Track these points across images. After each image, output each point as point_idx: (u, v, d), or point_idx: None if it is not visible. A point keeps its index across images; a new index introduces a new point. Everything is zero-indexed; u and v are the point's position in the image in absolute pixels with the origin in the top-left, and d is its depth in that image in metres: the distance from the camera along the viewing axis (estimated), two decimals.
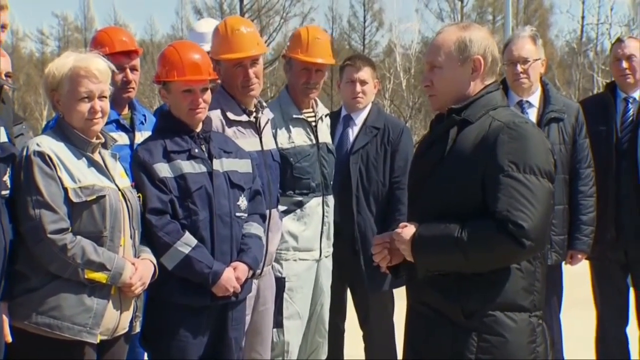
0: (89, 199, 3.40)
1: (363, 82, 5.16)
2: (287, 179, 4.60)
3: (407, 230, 3.03)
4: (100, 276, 3.39)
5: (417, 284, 3.10)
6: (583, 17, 33.62)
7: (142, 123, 4.43)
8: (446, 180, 2.99)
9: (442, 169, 3.02)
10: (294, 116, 4.72)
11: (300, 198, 4.66)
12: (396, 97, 32.51)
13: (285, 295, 4.59)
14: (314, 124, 4.78)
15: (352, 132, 5.16)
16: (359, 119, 5.18)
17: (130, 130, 4.35)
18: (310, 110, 4.82)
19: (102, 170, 3.53)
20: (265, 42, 32.00)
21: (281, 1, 32.74)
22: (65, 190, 3.37)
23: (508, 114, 3.04)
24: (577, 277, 5.71)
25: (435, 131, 3.16)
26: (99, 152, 3.57)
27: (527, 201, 2.85)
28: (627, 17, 32.70)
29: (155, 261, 3.66)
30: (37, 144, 3.40)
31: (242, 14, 30.81)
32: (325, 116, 4.92)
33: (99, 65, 3.50)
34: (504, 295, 2.94)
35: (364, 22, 38.00)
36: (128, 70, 4.36)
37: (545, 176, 2.92)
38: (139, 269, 3.52)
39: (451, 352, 2.96)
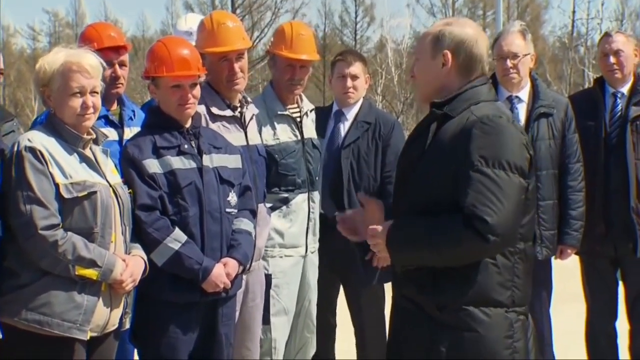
0: (80, 194, 3.39)
1: (354, 77, 5.16)
2: (272, 175, 4.59)
3: (383, 225, 3.05)
4: (90, 273, 3.38)
5: (397, 277, 3.13)
6: (574, 12, 33.68)
7: (131, 119, 4.42)
8: (425, 174, 3.00)
9: (422, 163, 3.03)
10: (279, 112, 4.71)
11: (286, 195, 4.65)
12: (388, 92, 32.52)
13: (271, 292, 4.58)
14: (298, 119, 4.78)
15: (344, 127, 5.17)
16: (351, 114, 5.19)
17: (119, 126, 4.35)
18: (295, 106, 4.81)
19: (94, 166, 3.52)
20: (257, 37, 32.04)
21: None
22: (57, 186, 3.35)
23: (487, 108, 3.02)
24: (568, 272, 5.73)
25: (418, 126, 3.18)
26: (90, 148, 3.56)
27: (494, 196, 2.83)
28: (617, 12, 32.78)
29: (145, 257, 3.65)
30: (29, 140, 3.38)
31: (234, 10, 30.80)
32: (310, 111, 4.92)
33: (90, 61, 3.49)
34: (478, 290, 2.94)
35: (356, 17, 38.03)
36: (117, 66, 4.35)
37: (516, 171, 2.90)
38: (129, 265, 3.51)
39: (427, 345, 2.97)
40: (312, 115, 4.96)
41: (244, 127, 4.34)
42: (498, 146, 2.90)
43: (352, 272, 5.05)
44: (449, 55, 3.07)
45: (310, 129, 4.86)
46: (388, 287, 4.77)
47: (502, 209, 2.83)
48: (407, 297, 3.07)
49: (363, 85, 5.21)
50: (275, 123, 4.69)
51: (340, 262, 5.03)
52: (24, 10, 66.19)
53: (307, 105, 4.90)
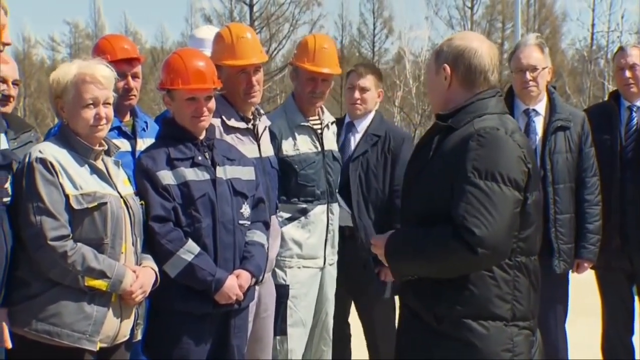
0: (90, 205, 3.40)
1: (363, 89, 5.16)
2: (291, 186, 4.60)
3: (383, 236, 3.10)
4: (100, 284, 3.39)
5: (401, 287, 3.16)
6: (593, 25, 33.56)
7: (143, 130, 4.43)
8: (426, 185, 3.02)
9: (424, 174, 3.05)
10: (300, 124, 4.72)
11: (304, 205, 4.66)
12: (406, 104, 32.49)
13: (289, 303, 4.59)
14: (319, 131, 4.79)
15: (354, 139, 5.16)
16: (361, 127, 5.19)
17: (132, 137, 4.35)
18: (316, 117, 4.82)
19: (105, 177, 3.53)
20: (275, 49, 32.13)
21: (291, 9, 32.82)
22: (67, 197, 3.37)
23: (488, 121, 3.02)
24: (584, 286, 5.69)
25: (422, 138, 3.20)
26: (102, 159, 3.57)
27: (484, 208, 2.83)
28: (637, 24, 32.63)
29: (156, 269, 3.65)
30: (40, 151, 3.40)
31: (252, 22, 30.89)
32: (332, 123, 4.92)
33: (103, 72, 3.51)
34: (474, 302, 2.94)
35: (374, 29, 38.02)
36: (130, 78, 4.36)
37: (510, 184, 2.89)
38: (139, 277, 3.52)
39: (426, 355, 2.98)
40: (334, 128, 4.98)
41: (257, 139, 4.35)
42: (492, 158, 2.90)
43: (364, 286, 5.04)
44: (448, 69, 3.09)
45: (331, 141, 4.87)
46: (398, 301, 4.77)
47: (492, 221, 2.82)
48: (408, 306, 3.10)
49: (374, 98, 5.20)
50: (296, 134, 4.71)
51: (352, 275, 5.01)
52: (45, 21, 66.75)
53: (328, 118, 4.91)
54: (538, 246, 3.12)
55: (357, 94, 5.15)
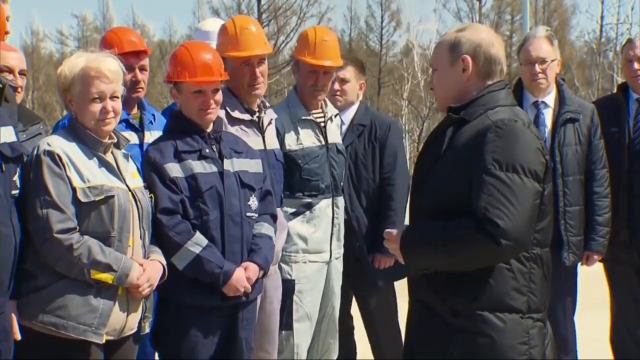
0: (97, 199, 3.40)
1: (343, 81, 5.16)
2: (295, 180, 4.59)
3: (397, 230, 3.06)
4: (106, 277, 3.39)
5: (412, 281, 3.13)
6: (602, 17, 33.42)
7: (151, 122, 4.43)
8: (440, 178, 3.00)
9: (438, 167, 3.02)
10: (302, 117, 4.71)
11: (309, 200, 4.65)
12: (414, 97, 32.45)
13: (295, 298, 4.59)
14: (322, 124, 4.77)
15: (341, 131, 5.15)
16: (346, 118, 5.20)
17: (139, 130, 4.36)
18: (319, 110, 4.81)
19: (113, 170, 3.52)
20: (283, 42, 32.10)
21: (298, 1, 32.77)
22: (74, 190, 3.37)
23: (503, 113, 3.01)
24: (594, 278, 5.67)
25: (434, 131, 3.17)
26: (112, 152, 3.57)
27: (507, 200, 2.82)
28: None
29: (164, 262, 3.64)
30: (48, 144, 3.40)
31: (260, 15, 30.87)
32: (335, 116, 4.91)
33: (110, 66, 3.50)
34: (492, 295, 2.92)
35: (382, 22, 37.95)
36: (137, 71, 4.36)
37: (530, 175, 2.88)
38: (146, 270, 3.51)
39: (440, 349, 2.96)
40: (337, 120, 4.96)
41: (261, 131, 4.34)
42: (512, 150, 2.88)
43: (359, 276, 5.04)
44: (469, 60, 3.06)
45: (334, 134, 4.85)
46: (400, 289, 4.77)
47: (515, 212, 2.81)
48: (422, 301, 3.07)
49: (354, 90, 5.21)
50: (299, 128, 4.69)
51: (348, 265, 5.00)
52: (53, 14, 66.87)
53: (332, 111, 4.89)
54: (550, 238, 3.11)
55: (336, 86, 5.15)
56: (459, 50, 3.07)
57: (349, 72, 5.17)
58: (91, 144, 3.49)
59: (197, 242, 3.72)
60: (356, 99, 5.25)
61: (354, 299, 5.33)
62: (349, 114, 5.20)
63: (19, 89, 4.01)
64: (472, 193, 2.87)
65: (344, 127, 5.16)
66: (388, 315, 5.18)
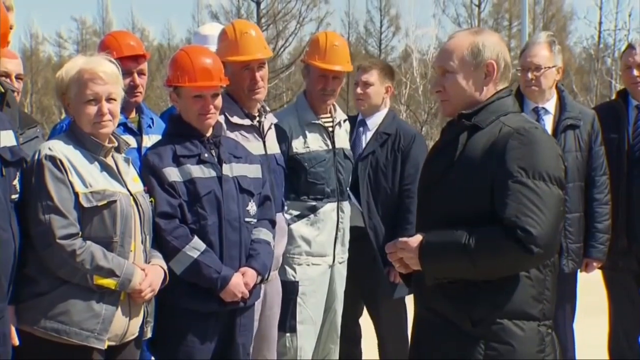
0: (99, 203, 3.38)
1: (366, 84, 5.14)
2: (301, 183, 4.61)
3: (414, 238, 3.00)
4: (109, 282, 3.37)
5: (425, 290, 3.06)
6: (600, 23, 33.46)
7: (149, 126, 4.43)
8: (455, 186, 2.96)
9: (452, 174, 2.98)
10: (311, 121, 4.72)
11: (314, 203, 4.66)
12: (412, 102, 32.44)
13: (298, 300, 4.59)
14: (330, 129, 4.77)
15: (365, 138, 5.15)
16: (373, 124, 5.17)
17: (137, 134, 4.35)
18: (328, 115, 4.82)
19: (114, 174, 3.51)
20: (282, 46, 32.11)
21: (297, 6, 32.78)
22: (76, 195, 3.35)
23: (519, 119, 3.01)
24: (592, 285, 5.66)
25: (445, 136, 3.13)
26: (112, 156, 3.56)
27: (536, 207, 2.81)
28: None
29: (165, 267, 3.63)
30: (49, 148, 3.39)
31: (259, 19, 30.88)
32: (344, 121, 4.91)
33: (105, 67, 3.49)
34: (512, 303, 2.90)
35: (381, 27, 37.91)
36: (135, 75, 4.35)
37: (555, 182, 2.88)
38: (148, 275, 3.50)
39: (458, 359, 2.92)
40: (346, 126, 4.96)
41: (262, 136, 4.33)
42: (536, 157, 2.87)
43: (373, 286, 5.02)
44: (494, 65, 3.03)
45: (342, 139, 4.86)
46: (409, 300, 4.75)
47: (544, 220, 2.81)
48: (436, 311, 3.01)
49: (378, 94, 5.16)
50: (307, 132, 4.70)
51: (360, 275, 4.98)
52: (52, 18, 66.78)
53: (340, 115, 4.90)
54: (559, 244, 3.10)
55: (359, 89, 5.15)
56: (483, 54, 3.03)
57: (372, 76, 5.15)
58: (92, 148, 3.48)
59: (195, 247, 3.71)
60: (381, 103, 5.20)
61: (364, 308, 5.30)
62: (376, 121, 5.17)
63: (16, 93, 4.02)
64: (496, 201, 2.86)
65: (369, 134, 5.14)
66: (398, 327, 5.15)
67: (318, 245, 4.68)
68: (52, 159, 3.35)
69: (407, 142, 5.07)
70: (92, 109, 3.45)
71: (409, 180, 5.00)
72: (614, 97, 5.47)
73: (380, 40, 38.01)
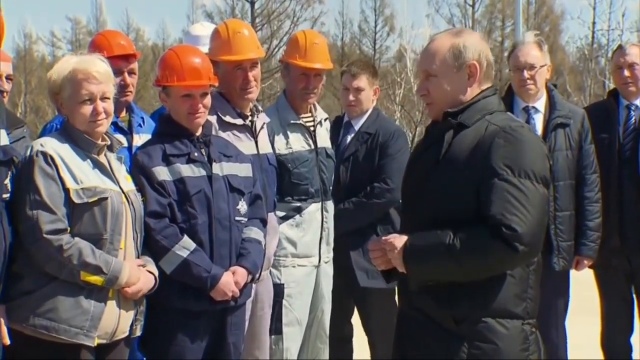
0: (90, 200, 3.39)
1: (357, 90, 5.15)
2: (285, 184, 4.58)
3: (398, 239, 2.99)
4: (96, 279, 3.37)
5: (407, 289, 3.06)
6: (594, 23, 33.54)
7: (140, 126, 4.44)
8: (441, 184, 2.95)
9: (437, 173, 2.98)
10: (292, 121, 4.70)
11: (298, 204, 4.64)
12: (407, 102, 32.46)
13: (284, 302, 4.57)
14: (312, 128, 4.76)
15: (350, 139, 5.14)
16: (357, 125, 5.18)
17: (128, 133, 4.36)
18: (309, 115, 4.80)
19: (107, 172, 3.52)
20: (276, 46, 32.12)
21: (292, 6, 32.82)
22: (67, 191, 3.36)
23: (505, 118, 3.02)
24: (584, 283, 5.67)
25: (430, 135, 3.13)
26: (105, 155, 3.56)
27: (522, 205, 2.81)
28: (638, 23, 32.62)
29: (157, 273, 3.63)
30: (41, 144, 3.40)
31: (253, 19, 30.90)
32: (325, 120, 4.90)
33: (98, 67, 3.50)
34: (495, 302, 2.90)
35: (375, 27, 37.94)
36: (126, 74, 4.37)
37: (540, 181, 2.88)
38: (139, 282, 3.50)
39: (442, 359, 2.92)
40: (327, 125, 4.95)
41: (254, 136, 4.33)
42: (522, 156, 2.88)
43: (357, 281, 5.01)
44: (477, 66, 3.03)
45: (324, 138, 4.84)
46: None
47: (530, 218, 2.81)
48: (420, 310, 3.01)
49: (369, 97, 5.18)
50: (289, 132, 4.68)
51: (347, 273, 4.98)
52: (46, 17, 66.76)
53: (321, 114, 4.88)
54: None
55: (351, 97, 5.15)
56: (464, 56, 3.02)
57: (362, 81, 5.15)
58: (85, 145, 3.49)
59: (185, 246, 3.71)
60: (371, 105, 5.22)
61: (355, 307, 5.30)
62: (360, 122, 5.18)
63: (5, 94, 4.05)
64: (481, 198, 2.85)
65: (353, 135, 5.13)
66: (388, 322, 5.12)
67: (304, 246, 4.66)
68: (44, 155, 3.35)
69: (385, 138, 5.07)
70: (88, 109, 3.46)
71: (385, 170, 4.97)
72: (605, 97, 5.49)
73: (375, 40, 38.04)
